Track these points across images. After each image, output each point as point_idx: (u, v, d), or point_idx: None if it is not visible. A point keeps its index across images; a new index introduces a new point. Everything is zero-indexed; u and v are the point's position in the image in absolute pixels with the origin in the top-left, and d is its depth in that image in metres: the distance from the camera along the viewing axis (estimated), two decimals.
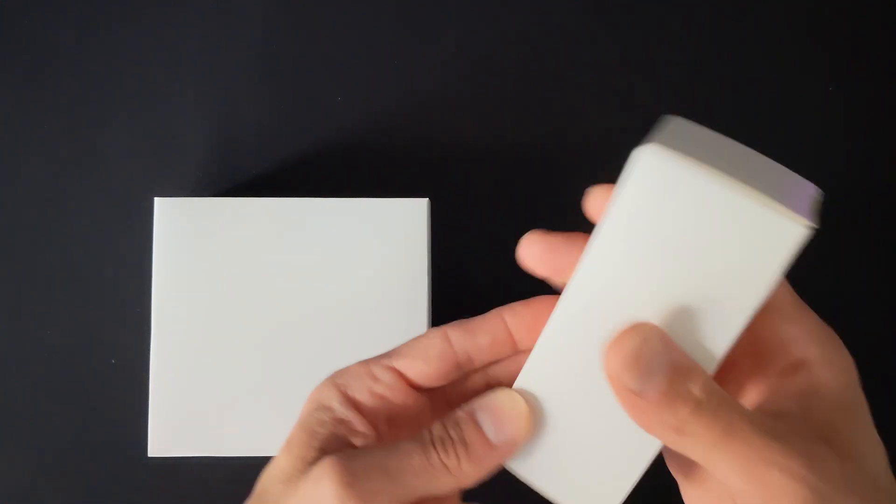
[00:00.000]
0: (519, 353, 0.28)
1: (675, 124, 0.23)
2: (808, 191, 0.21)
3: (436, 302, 0.42)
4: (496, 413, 0.26)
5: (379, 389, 0.28)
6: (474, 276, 0.43)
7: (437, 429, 0.26)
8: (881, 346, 0.43)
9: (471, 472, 0.26)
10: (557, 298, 0.24)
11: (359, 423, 0.27)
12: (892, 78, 0.45)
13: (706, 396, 0.21)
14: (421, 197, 0.41)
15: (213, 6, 0.45)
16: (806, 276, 0.44)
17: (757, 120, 0.44)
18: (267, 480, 0.27)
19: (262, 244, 0.40)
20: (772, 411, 0.22)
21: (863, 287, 0.43)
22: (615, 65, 0.44)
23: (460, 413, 0.26)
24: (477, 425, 0.26)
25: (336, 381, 0.28)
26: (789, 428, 0.21)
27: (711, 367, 0.21)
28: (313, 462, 0.25)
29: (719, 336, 0.21)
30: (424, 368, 0.28)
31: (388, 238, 0.40)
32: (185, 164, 0.44)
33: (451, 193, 0.43)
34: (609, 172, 0.44)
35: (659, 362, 0.21)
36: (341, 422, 0.27)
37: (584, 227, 0.44)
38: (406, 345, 0.29)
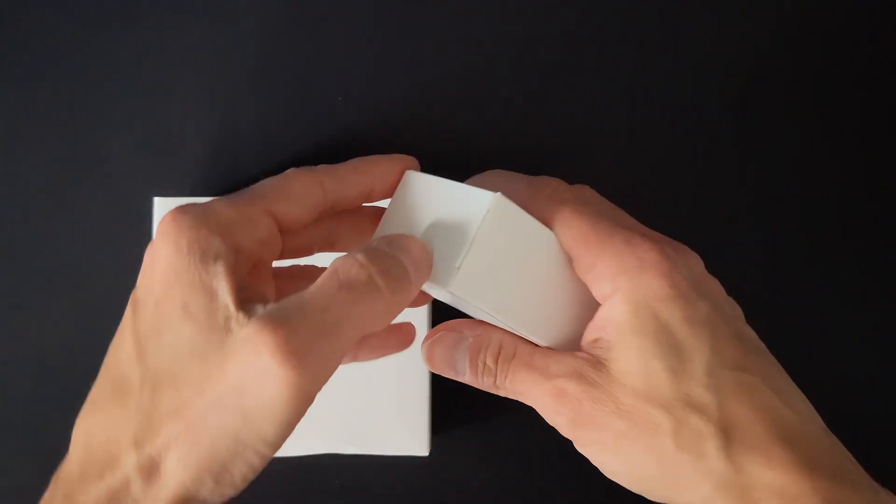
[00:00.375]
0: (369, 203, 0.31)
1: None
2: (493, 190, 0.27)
3: (436, 301, 0.42)
4: (416, 258, 0.26)
5: (260, 235, 0.26)
6: None
7: (360, 269, 0.24)
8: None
9: (397, 309, 0.25)
10: (411, 160, 0.32)
11: (255, 277, 0.26)
12: (893, 78, 0.45)
13: (495, 363, 0.28)
14: None
15: (213, 6, 0.45)
16: (806, 275, 0.44)
17: (757, 120, 0.44)
18: (166, 358, 0.23)
19: None
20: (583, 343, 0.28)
21: (863, 287, 0.43)
22: (615, 65, 0.44)
23: (384, 250, 0.25)
24: (402, 265, 0.25)
25: (210, 224, 0.25)
26: (566, 355, 0.28)
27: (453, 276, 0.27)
28: (230, 328, 0.23)
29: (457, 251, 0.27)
30: (300, 214, 0.27)
31: None
32: (185, 164, 0.44)
33: None
34: (609, 172, 0.44)
35: (461, 356, 0.29)
36: (237, 275, 0.24)
37: None
38: (275, 186, 0.28)
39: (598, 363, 0.27)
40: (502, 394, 0.30)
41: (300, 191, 0.28)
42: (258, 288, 0.25)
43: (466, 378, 0.30)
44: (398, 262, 0.25)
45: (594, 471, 0.42)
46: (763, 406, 0.25)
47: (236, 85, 0.44)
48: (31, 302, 0.44)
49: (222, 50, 0.45)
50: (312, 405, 0.24)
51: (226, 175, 0.44)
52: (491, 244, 0.27)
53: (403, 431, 0.40)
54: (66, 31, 0.45)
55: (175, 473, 0.23)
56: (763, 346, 0.27)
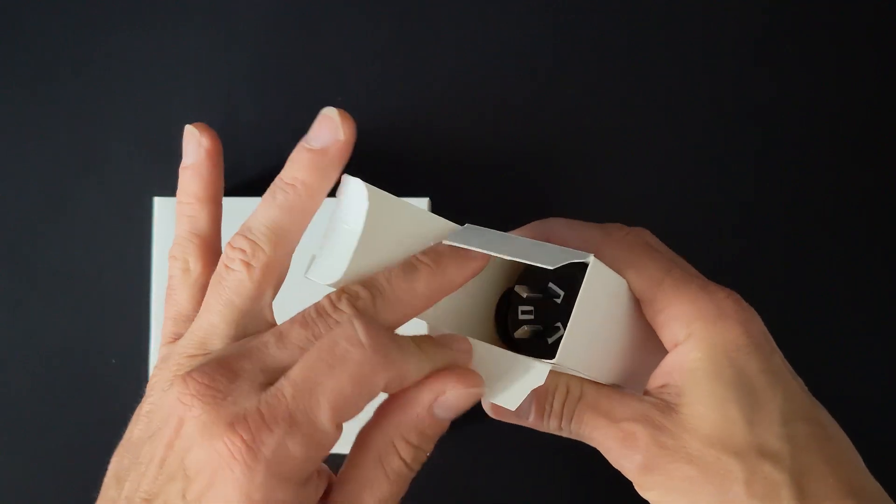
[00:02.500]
0: None
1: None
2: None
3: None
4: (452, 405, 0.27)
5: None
6: None
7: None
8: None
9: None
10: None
11: None
12: (893, 78, 0.45)
13: (562, 407, 0.28)
14: (421, 197, 0.41)
15: (213, 7, 0.45)
16: (807, 275, 0.44)
17: (756, 120, 0.44)
18: None
19: None
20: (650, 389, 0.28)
21: (862, 286, 0.43)
22: (615, 65, 0.44)
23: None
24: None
25: (298, 478, 0.22)
26: (633, 396, 0.27)
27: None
28: None
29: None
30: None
31: None
32: None
33: (451, 193, 0.43)
34: (608, 172, 0.44)
35: (527, 400, 0.28)
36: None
37: None
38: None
39: (667, 407, 0.26)
40: (565, 435, 0.29)
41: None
42: None
43: (530, 421, 0.29)
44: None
45: (594, 471, 0.42)
46: (834, 458, 0.25)
47: (236, 85, 0.44)
48: (31, 302, 0.44)
49: (222, 50, 0.45)
50: None
51: (226, 175, 0.44)
52: (586, 309, 0.26)
53: None
54: (66, 32, 0.45)
55: None
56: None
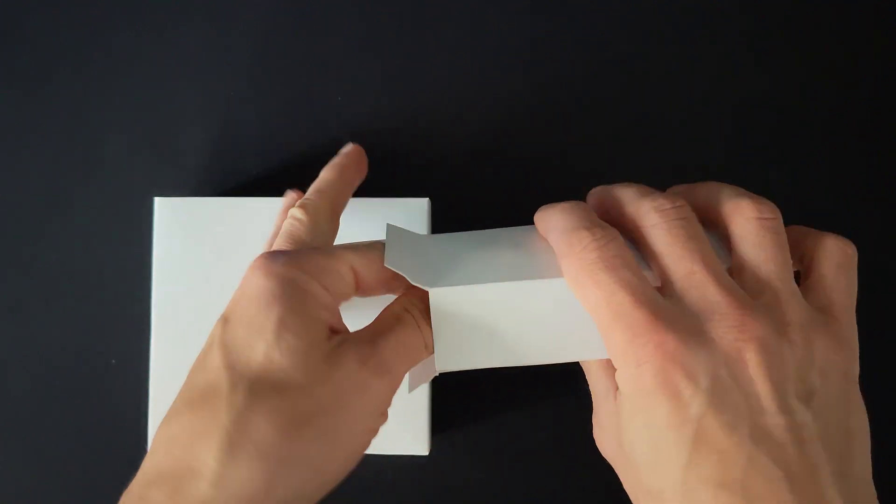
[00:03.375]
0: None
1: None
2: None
3: None
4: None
5: (341, 287, 0.29)
6: None
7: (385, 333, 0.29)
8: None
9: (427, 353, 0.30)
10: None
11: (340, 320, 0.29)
12: (893, 78, 0.45)
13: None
14: (421, 197, 0.41)
15: (212, 7, 0.45)
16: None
17: (756, 120, 0.44)
18: (260, 367, 0.26)
19: (262, 244, 0.40)
20: None
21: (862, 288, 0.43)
22: (615, 65, 0.44)
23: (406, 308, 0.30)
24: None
25: (304, 265, 0.28)
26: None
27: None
28: (327, 345, 0.27)
29: None
30: (377, 282, 0.30)
31: None
32: (185, 164, 0.44)
33: (451, 193, 0.43)
34: (608, 172, 0.44)
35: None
36: (326, 306, 0.28)
37: None
38: (363, 252, 0.30)
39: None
40: None
41: (378, 266, 0.30)
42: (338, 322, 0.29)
43: None
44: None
45: (593, 471, 0.42)
46: None
47: (236, 85, 0.44)
48: (31, 302, 0.44)
49: (222, 50, 0.45)
50: None
51: (226, 175, 0.44)
52: (444, 324, 0.30)
53: (403, 431, 0.40)
54: (66, 32, 0.45)
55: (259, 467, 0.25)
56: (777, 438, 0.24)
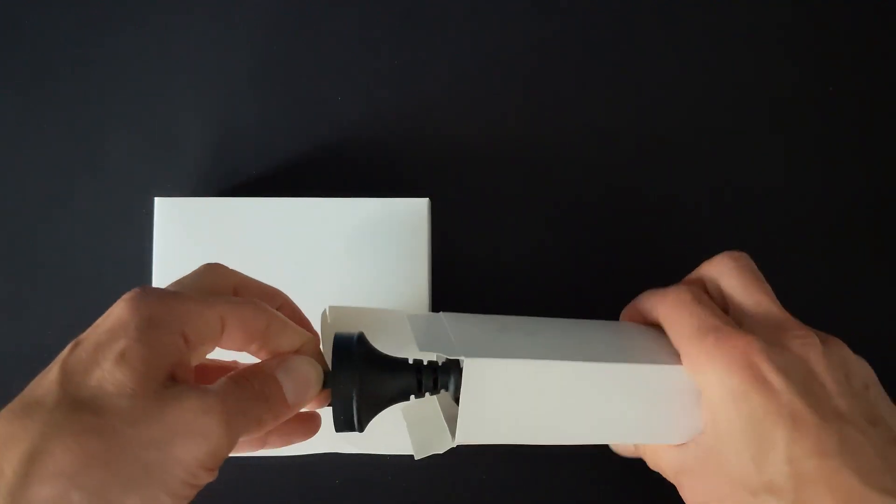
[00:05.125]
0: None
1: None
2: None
3: (436, 301, 0.42)
4: (297, 378, 0.30)
5: (207, 335, 0.29)
6: (474, 276, 0.43)
7: (234, 386, 0.28)
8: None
9: (267, 423, 0.29)
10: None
11: (189, 361, 0.29)
12: (893, 78, 0.45)
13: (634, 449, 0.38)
14: (421, 197, 0.41)
15: (212, 7, 0.45)
16: (807, 275, 0.44)
17: (756, 120, 0.44)
18: (88, 390, 0.26)
19: (262, 244, 0.40)
20: None
21: (863, 287, 0.43)
22: (615, 65, 0.44)
23: (264, 370, 0.30)
24: (278, 384, 0.30)
25: (172, 307, 0.28)
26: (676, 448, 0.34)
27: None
28: (166, 385, 0.26)
29: None
30: (242, 339, 0.30)
31: (388, 238, 0.40)
32: (185, 164, 0.44)
33: (451, 193, 0.43)
34: (608, 172, 0.44)
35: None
36: (176, 352, 0.28)
37: (583, 226, 0.44)
38: (236, 305, 0.30)
39: (702, 457, 0.32)
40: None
41: (253, 323, 0.30)
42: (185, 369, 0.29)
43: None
44: (275, 387, 0.30)
45: (593, 471, 0.42)
46: (840, 488, 0.28)
47: (236, 85, 0.44)
48: (31, 302, 0.44)
49: (222, 50, 0.45)
50: None
51: (226, 175, 0.44)
52: (473, 401, 0.31)
53: (403, 431, 0.40)
54: (66, 32, 0.45)
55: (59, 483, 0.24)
56: (864, 416, 0.30)
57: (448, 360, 0.32)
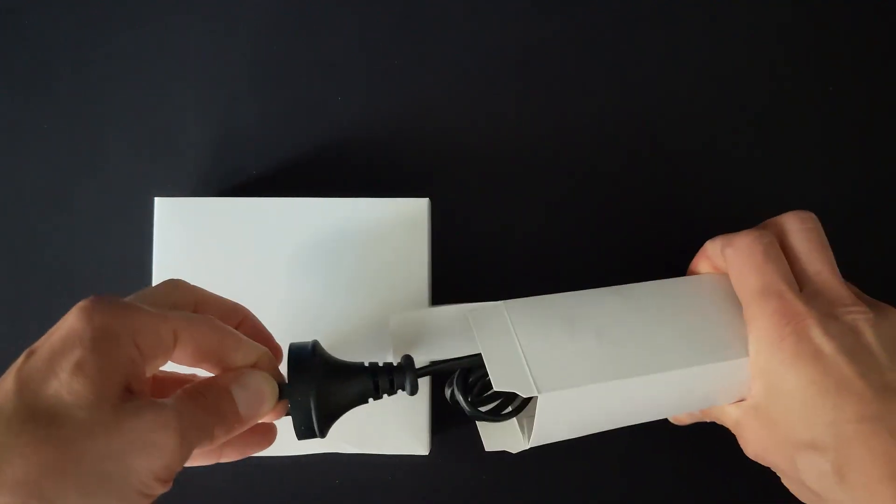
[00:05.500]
0: None
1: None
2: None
3: (436, 301, 0.42)
4: (251, 392, 0.31)
5: (159, 349, 0.29)
6: (474, 276, 0.43)
7: (189, 400, 0.29)
8: None
9: (219, 436, 0.30)
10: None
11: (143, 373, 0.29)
12: (893, 78, 0.45)
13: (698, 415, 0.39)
14: (421, 197, 0.41)
15: (212, 7, 0.45)
16: None
17: (756, 120, 0.44)
18: (46, 400, 0.26)
19: (262, 244, 0.40)
20: None
21: (862, 287, 0.43)
22: (615, 65, 0.44)
23: (218, 385, 0.30)
24: (232, 398, 0.30)
25: (125, 317, 0.28)
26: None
27: None
28: (121, 396, 0.27)
29: None
30: (197, 354, 0.30)
31: (388, 238, 0.40)
32: (185, 164, 0.44)
33: (451, 193, 0.43)
34: (609, 173, 0.44)
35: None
36: (129, 363, 0.28)
37: (583, 225, 0.44)
38: (192, 320, 0.30)
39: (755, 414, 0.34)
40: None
41: (207, 339, 0.30)
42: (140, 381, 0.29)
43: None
44: (229, 402, 0.30)
45: (593, 471, 0.42)
46: (878, 450, 0.29)
47: (236, 85, 0.44)
48: (31, 302, 0.44)
49: (222, 50, 0.45)
50: None
51: (226, 175, 0.44)
52: (546, 425, 0.34)
53: (403, 431, 0.40)
54: (66, 32, 0.45)
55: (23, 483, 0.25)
56: None
57: (403, 360, 0.34)
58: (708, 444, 0.41)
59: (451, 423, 0.43)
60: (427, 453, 0.40)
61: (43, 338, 0.28)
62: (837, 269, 0.34)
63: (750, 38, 0.45)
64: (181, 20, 0.45)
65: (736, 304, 0.35)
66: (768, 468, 0.35)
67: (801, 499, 0.34)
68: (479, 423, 0.38)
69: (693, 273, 0.39)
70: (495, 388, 0.31)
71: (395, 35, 0.45)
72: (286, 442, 0.35)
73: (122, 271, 0.43)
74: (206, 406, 0.29)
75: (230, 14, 0.45)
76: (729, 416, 0.36)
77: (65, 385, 0.26)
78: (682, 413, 0.39)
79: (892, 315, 0.33)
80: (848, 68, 0.45)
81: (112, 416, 0.26)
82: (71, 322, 0.28)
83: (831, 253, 0.35)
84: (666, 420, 0.39)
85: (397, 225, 0.40)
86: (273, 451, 0.35)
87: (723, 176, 0.44)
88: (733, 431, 0.36)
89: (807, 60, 0.45)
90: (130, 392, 0.27)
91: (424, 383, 0.40)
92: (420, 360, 0.35)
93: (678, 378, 0.33)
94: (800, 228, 0.35)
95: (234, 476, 0.42)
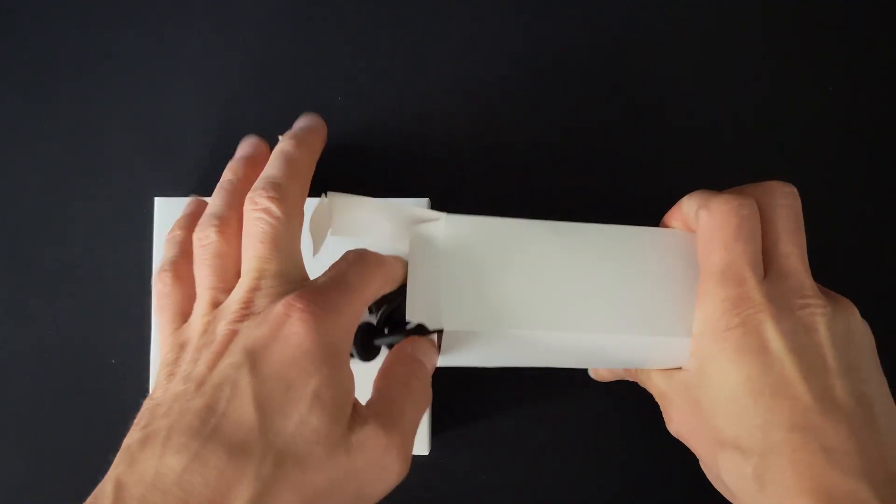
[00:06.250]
0: None
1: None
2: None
3: None
4: (432, 362, 0.33)
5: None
6: None
7: (404, 402, 0.31)
8: None
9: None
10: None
11: None
12: (893, 78, 0.45)
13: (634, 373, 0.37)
14: (421, 197, 0.41)
15: (213, 7, 0.45)
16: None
17: (756, 120, 0.44)
18: (290, 439, 0.26)
19: None
20: None
21: (863, 287, 0.43)
22: (614, 64, 0.44)
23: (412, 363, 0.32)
24: (428, 386, 0.32)
25: (348, 328, 0.30)
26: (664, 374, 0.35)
27: None
28: (352, 425, 0.27)
29: None
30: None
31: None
32: (185, 164, 0.44)
33: (451, 193, 0.43)
34: (609, 173, 0.44)
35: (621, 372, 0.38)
36: (353, 381, 0.29)
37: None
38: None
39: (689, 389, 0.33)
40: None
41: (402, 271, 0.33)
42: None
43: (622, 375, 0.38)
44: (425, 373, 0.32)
45: (594, 471, 0.42)
46: (803, 462, 0.28)
47: (236, 85, 0.44)
48: (31, 302, 0.44)
49: (222, 50, 0.45)
50: None
51: None
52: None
53: None
54: (66, 32, 0.45)
55: None
56: (851, 399, 0.29)
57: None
58: None
59: (451, 423, 0.43)
60: (427, 453, 0.40)
61: (260, 342, 0.27)
62: (806, 256, 0.32)
63: (750, 38, 0.45)
64: (181, 20, 0.45)
65: (694, 271, 0.33)
66: None
67: (718, 490, 0.32)
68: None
69: (665, 226, 0.36)
70: (408, 318, 0.30)
71: (395, 35, 0.45)
72: None
73: (122, 271, 0.43)
74: (416, 398, 0.30)
75: (230, 14, 0.45)
76: (656, 385, 0.34)
77: (304, 420, 0.26)
78: (602, 368, 0.37)
79: (850, 311, 0.31)
80: (848, 68, 0.45)
81: (344, 451, 0.27)
82: (299, 338, 0.27)
83: (804, 236, 0.33)
84: None
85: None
86: None
87: (723, 176, 0.44)
88: (657, 401, 0.34)
89: (807, 60, 0.45)
90: (354, 410, 0.28)
91: None
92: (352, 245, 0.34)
93: (602, 341, 0.31)
94: (782, 204, 0.33)
95: None
